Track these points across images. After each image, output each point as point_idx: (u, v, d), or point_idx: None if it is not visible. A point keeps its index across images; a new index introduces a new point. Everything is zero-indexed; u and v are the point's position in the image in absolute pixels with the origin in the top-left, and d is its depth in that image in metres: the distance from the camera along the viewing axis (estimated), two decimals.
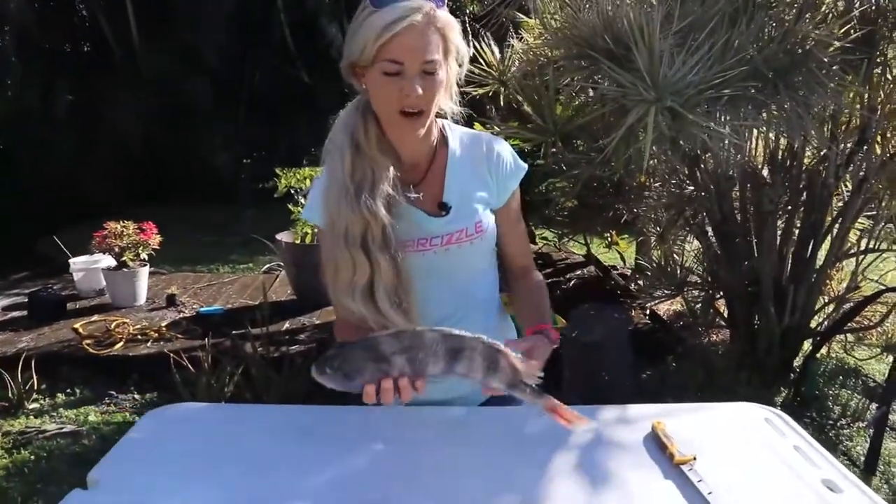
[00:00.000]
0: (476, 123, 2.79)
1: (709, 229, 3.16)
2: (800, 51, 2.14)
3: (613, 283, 4.50)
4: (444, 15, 1.04)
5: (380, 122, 1.11)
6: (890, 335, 3.53)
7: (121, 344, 3.56)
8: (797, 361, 3.19)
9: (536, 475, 0.95)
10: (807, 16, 2.15)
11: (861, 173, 2.74)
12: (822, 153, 2.73)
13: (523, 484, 0.93)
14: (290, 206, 4.05)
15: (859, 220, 3.00)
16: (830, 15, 2.29)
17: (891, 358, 3.06)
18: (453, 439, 1.07)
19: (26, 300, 4.19)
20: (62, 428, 2.94)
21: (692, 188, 3.02)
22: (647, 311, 3.99)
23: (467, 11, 4.37)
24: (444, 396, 1.19)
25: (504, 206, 1.22)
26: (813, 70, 2.10)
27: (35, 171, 7.05)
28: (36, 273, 5.30)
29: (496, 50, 2.94)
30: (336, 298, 1.11)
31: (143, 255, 4.15)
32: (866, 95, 2.54)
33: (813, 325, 3.21)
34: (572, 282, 4.74)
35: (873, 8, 2.33)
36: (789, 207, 2.95)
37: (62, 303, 4.17)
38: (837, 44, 2.14)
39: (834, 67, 2.22)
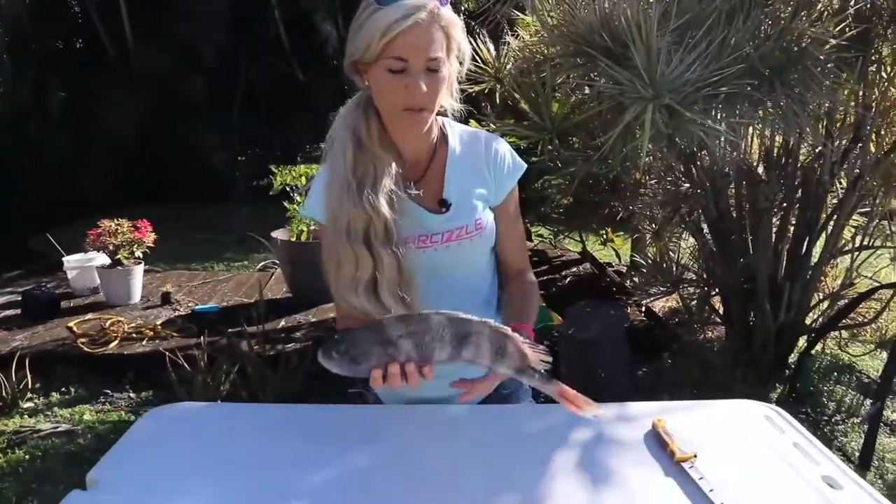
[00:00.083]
0: (472, 121, 2.78)
1: (704, 226, 3.17)
2: (795, 48, 2.15)
3: (609, 280, 4.52)
4: (447, 13, 1.04)
5: (381, 118, 1.11)
6: (884, 331, 3.57)
7: (115, 342, 3.55)
8: (792, 358, 3.20)
9: (537, 474, 0.95)
10: (802, 14, 2.15)
11: (856, 170, 2.76)
12: (817, 150, 2.74)
13: (523, 483, 0.93)
14: (286, 204, 4.03)
15: (854, 217, 3.03)
16: (826, 13, 2.31)
17: (885, 354, 3.09)
18: (453, 438, 1.07)
19: (20, 298, 4.18)
20: (57, 427, 2.92)
21: (688, 185, 3.03)
22: (643, 308, 4.01)
23: (462, 8, 4.36)
24: (444, 396, 1.18)
25: (502, 205, 1.21)
26: (808, 68, 2.12)
27: (29, 169, 7.01)
28: (29, 271, 5.29)
29: (492, 47, 2.94)
30: (338, 294, 1.10)
31: (138, 253, 4.15)
32: (861, 93, 2.56)
33: (808, 321, 3.22)
34: (568, 279, 4.76)
35: (868, 6, 2.34)
36: (785, 205, 2.97)
37: (56, 301, 4.16)
38: (833, 41, 2.16)
39: (829, 65, 2.23)
